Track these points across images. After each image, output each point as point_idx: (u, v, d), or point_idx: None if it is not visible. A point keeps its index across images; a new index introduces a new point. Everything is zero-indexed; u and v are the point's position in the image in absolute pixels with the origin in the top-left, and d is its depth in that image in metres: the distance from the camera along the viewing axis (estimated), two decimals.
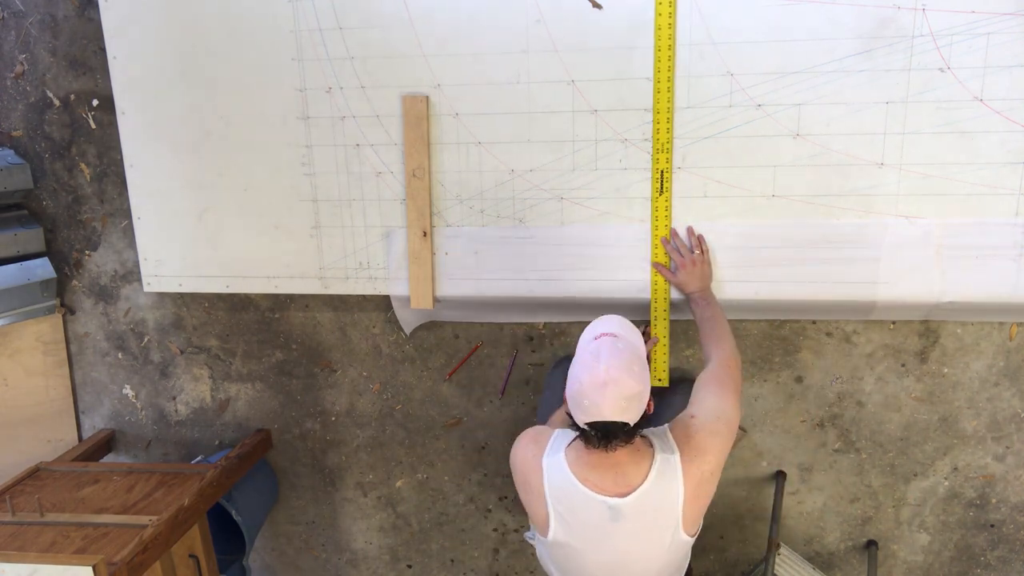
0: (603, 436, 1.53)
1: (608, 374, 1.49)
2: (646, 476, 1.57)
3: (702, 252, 2.04)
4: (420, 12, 2.07)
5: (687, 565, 1.82)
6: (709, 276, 2.04)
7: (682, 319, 2.31)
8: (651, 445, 1.63)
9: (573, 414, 1.56)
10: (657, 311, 2.14)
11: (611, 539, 1.60)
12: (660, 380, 2.18)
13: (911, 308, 2.11)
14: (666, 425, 1.69)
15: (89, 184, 2.56)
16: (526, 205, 2.16)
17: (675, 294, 2.12)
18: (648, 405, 1.56)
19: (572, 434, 1.67)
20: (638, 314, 2.32)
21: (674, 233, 2.08)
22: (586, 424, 1.53)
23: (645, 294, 2.13)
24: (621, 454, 1.57)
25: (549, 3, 2.00)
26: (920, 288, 2.01)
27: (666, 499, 1.57)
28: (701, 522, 1.66)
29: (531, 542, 2.04)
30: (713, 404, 1.68)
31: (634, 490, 1.56)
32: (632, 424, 1.53)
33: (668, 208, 2.07)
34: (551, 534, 1.65)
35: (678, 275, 2.03)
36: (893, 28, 1.87)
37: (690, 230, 2.08)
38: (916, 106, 1.91)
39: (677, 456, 1.59)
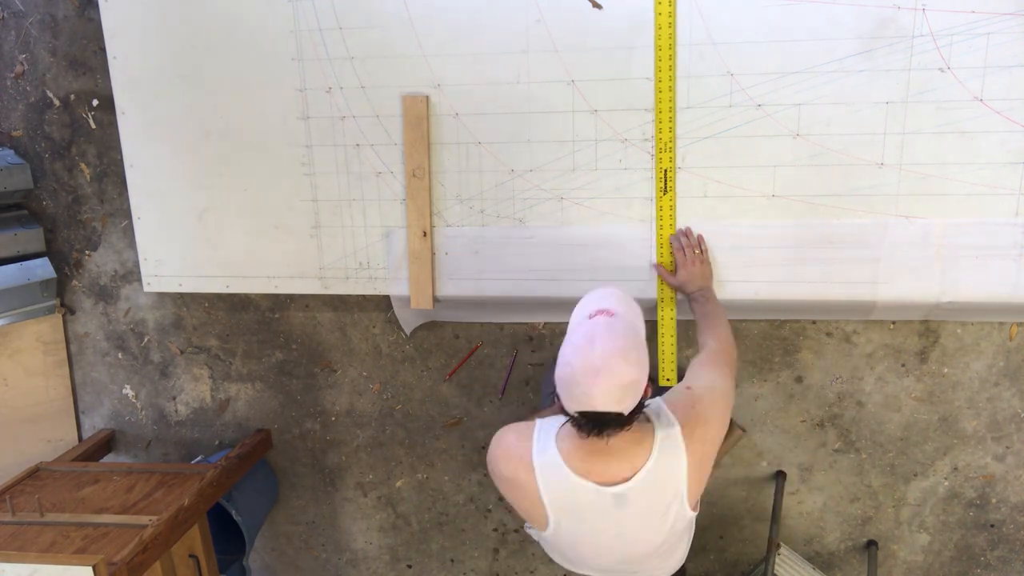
0: (594, 425, 1.42)
1: (603, 361, 1.36)
2: (648, 455, 1.48)
3: (702, 252, 2.04)
4: (420, 12, 2.07)
5: (690, 538, 1.76)
6: (710, 275, 2.03)
7: (684, 319, 2.31)
8: (649, 420, 1.53)
9: (563, 400, 1.43)
10: (664, 315, 2.14)
11: (616, 525, 1.53)
12: (668, 380, 2.18)
13: (911, 308, 2.11)
14: (660, 398, 1.59)
15: (89, 184, 2.56)
16: (526, 205, 2.16)
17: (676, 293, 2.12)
18: (645, 391, 1.44)
19: (555, 424, 1.56)
20: None
21: (682, 232, 2.07)
22: (577, 413, 1.41)
23: (645, 294, 2.13)
24: (618, 440, 1.46)
25: (549, 3, 2.00)
26: (920, 288, 2.01)
27: (670, 475, 1.49)
28: (699, 496, 1.59)
29: (530, 532, 2.04)
30: (709, 378, 1.62)
31: (637, 472, 1.47)
32: (627, 414, 1.41)
33: (672, 207, 2.07)
34: (550, 530, 1.58)
35: (679, 275, 2.03)
36: (893, 28, 1.87)
37: (689, 231, 2.08)
38: (916, 106, 1.91)
39: (678, 429, 1.50)
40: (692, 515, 1.58)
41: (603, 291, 1.55)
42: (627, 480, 1.47)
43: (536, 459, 1.53)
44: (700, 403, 1.55)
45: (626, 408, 1.40)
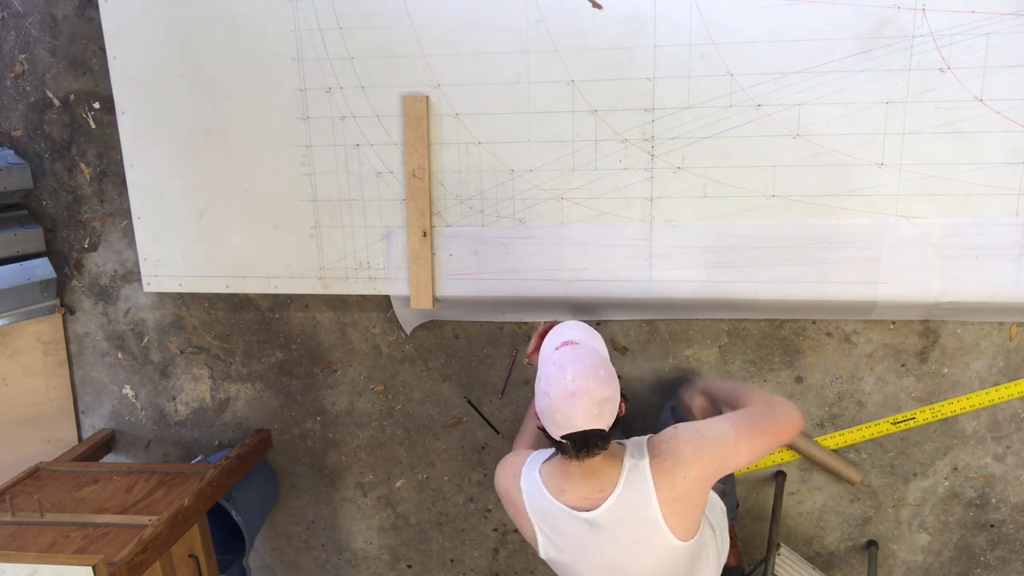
0: (581, 446, 1.51)
1: (576, 383, 1.48)
2: (615, 484, 1.56)
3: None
4: (420, 12, 2.07)
5: (713, 569, 1.77)
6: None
7: (681, 319, 2.31)
8: (624, 447, 1.62)
9: (547, 429, 1.54)
10: None
11: (598, 550, 1.59)
12: None
13: (911, 308, 2.11)
14: (648, 435, 1.67)
15: (89, 184, 2.56)
16: (526, 205, 2.16)
17: (671, 291, 2.12)
18: (620, 407, 1.56)
19: (545, 454, 1.68)
20: (637, 312, 2.32)
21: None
22: (562, 437, 1.51)
23: (645, 294, 2.13)
24: (595, 461, 1.55)
25: (549, 3, 2.00)
26: (920, 288, 2.01)
27: (641, 506, 1.54)
28: (700, 527, 1.62)
29: (544, 557, 2.03)
30: (710, 422, 1.65)
31: (605, 499, 1.55)
32: (607, 429, 1.52)
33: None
34: (541, 551, 1.68)
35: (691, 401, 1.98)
36: (893, 28, 1.87)
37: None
38: (916, 106, 1.91)
39: (646, 461, 1.56)
40: (682, 545, 1.58)
41: (565, 325, 1.70)
42: (597, 507, 1.56)
43: (523, 482, 1.68)
44: (676, 440, 1.58)
45: (605, 424, 1.51)
